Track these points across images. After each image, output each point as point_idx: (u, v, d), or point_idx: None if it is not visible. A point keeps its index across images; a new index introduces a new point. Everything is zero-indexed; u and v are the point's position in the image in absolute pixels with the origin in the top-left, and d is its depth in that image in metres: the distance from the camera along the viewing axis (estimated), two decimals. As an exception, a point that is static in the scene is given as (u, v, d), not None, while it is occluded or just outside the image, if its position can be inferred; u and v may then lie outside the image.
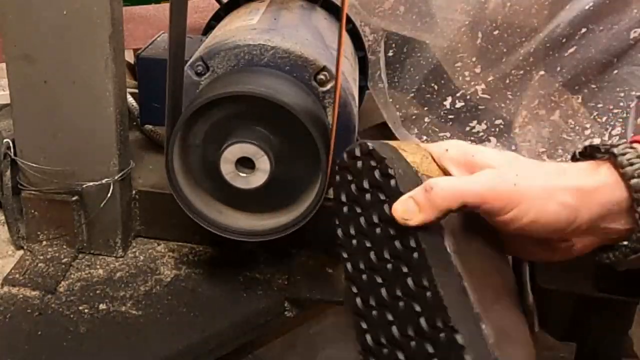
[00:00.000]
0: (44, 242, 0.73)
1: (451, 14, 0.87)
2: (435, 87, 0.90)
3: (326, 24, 0.78)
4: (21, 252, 0.73)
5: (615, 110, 0.79)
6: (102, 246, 0.73)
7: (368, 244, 0.48)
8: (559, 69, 0.83)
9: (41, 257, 0.71)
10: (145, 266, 0.72)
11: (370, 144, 0.48)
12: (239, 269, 0.72)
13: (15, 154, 0.69)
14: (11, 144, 0.69)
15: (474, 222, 0.46)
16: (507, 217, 0.44)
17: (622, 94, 0.79)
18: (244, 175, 0.60)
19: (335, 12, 0.83)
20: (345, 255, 0.50)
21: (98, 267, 0.72)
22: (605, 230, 0.46)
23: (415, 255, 0.44)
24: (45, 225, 0.72)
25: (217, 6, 0.89)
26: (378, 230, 0.47)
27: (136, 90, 0.77)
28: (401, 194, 0.45)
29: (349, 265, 0.49)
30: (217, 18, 0.85)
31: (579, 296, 0.74)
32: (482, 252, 0.47)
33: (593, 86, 0.81)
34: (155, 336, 0.63)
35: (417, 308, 0.44)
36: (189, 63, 0.64)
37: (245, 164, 0.59)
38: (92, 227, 0.72)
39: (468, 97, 0.88)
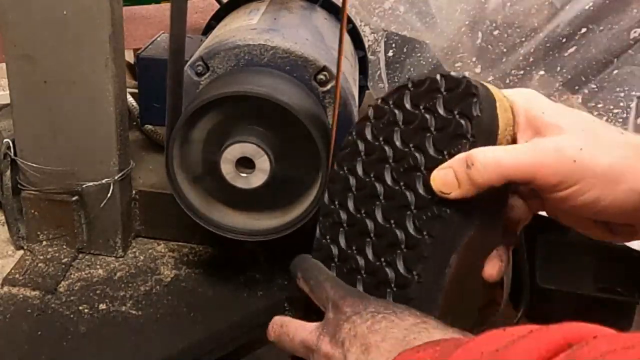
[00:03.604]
0: (44, 242, 0.73)
1: (451, 14, 0.87)
2: (435, 87, 0.90)
3: (326, 24, 0.78)
4: (21, 252, 0.73)
5: (615, 110, 0.79)
6: (102, 246, 0.73)
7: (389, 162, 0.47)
8: (559, 69, 0.83)
9: (41, 257, 0.71)
10: (145, 266, 0.72)
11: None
12: (239, 269, 0.72)
13: (15, 154, 0.69)
14: (11, 144, 0.69)
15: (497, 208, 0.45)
16: (564, 194, 0.40)
17: (622, 94, 0.79)
18: (244, 175, 0.60)
19: (335, 12, 0.83)
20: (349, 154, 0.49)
21: (98, 267, 0.72)
22: None
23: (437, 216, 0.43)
24: (45, 225, 0.72)
25: (217, 6, 0.89)
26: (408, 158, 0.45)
27: (136, 90, 0.77)
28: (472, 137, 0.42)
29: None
30: (217, 18, 0.85)
31: (579, 296, 0.74)
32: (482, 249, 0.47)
33: (593, 86, 0.81)
34: (155, 336, 0.63)
35: (401, 241, 0.45)
36: (189, 63, 0.64)
37: (245, 164, 0.59)
38: (92, 227, 0.72)
39: (468, 97, 0.88)
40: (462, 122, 0.42)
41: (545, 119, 0.42)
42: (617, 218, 0.41)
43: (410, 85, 0.46)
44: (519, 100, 0.44)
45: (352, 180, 0.49)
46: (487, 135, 0.42)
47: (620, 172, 0.39)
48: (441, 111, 0.44)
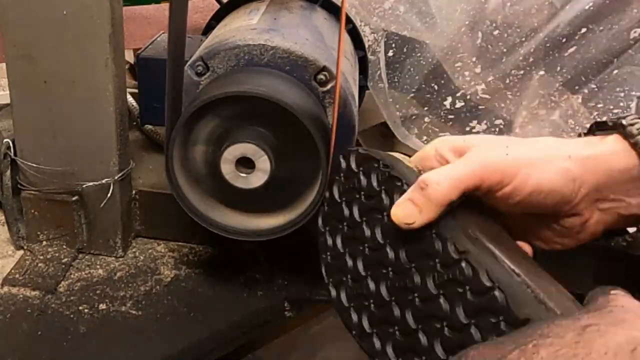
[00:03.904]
0: (44, 242, 0.73)
1: (451, 14, 0.87)
2: (435, 87, 0.90)
3: (326, 24, 0.78)
4: (21, 252, 0.73)
5: (615, 110, 0.79)
6: (102, 246, 0.73)
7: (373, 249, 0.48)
8: (559, 69, 0.83)
9: (41, 257, 0.71)
10: (145, 266, 0.72)
11: (363, 150, 0.49)
12: (239, 269, 0.72)
13: (15, 154, 0.69)
14: (11, 144, 0.69)
15: (478, 218, 0.45)
16: (508, 189, 0.43)
17: (622, 94, 0.79)
18: (244, 175, 0.60)
19: (335, 12, 0.83)
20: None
21: (98, 267, 0.72)
22: (617, 205, 0.44)
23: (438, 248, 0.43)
24: (45, 225, 0.72)
25: (217, 6, 0.89)
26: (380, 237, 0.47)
27: (136, 90, 0.77)
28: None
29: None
30: (217, 18, 0.85)
31: (579, 296, 0.74)
32: (499, 234, 0.46)
33: (593, 86, 0.81)
34: (155, 336, 0.63)
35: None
36: (189, 63, 0.64)
37: (245, 164, 0.59)
38: (92, 227, 0.72)
39: (468, 97, 0.88)
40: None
41: (465, 142, 0.46)
42: (560, 205, 0.44)
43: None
44: (440, 143, 0.48)
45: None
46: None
47: (548, 157, 0.43)
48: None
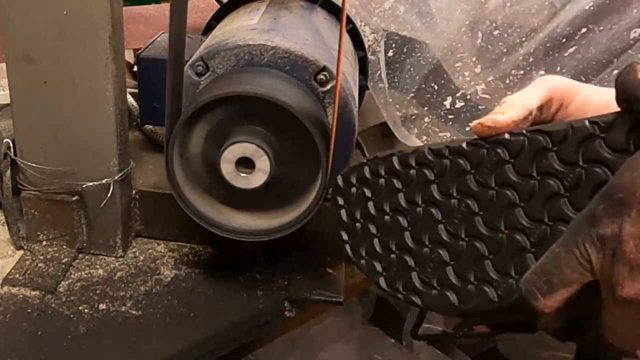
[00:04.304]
0: (44, 242, 0.73)
1: (451, 14, 0.87)
2: (435, 87, 0.90)
3: (326, 24, 0.78)
4: (21, 252, 0.73)
5: (615, 110, 0.79)
6: (102, 246, 0.73)
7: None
8: (559, 69, 0.83)
9: (41, 257, 0.71)
10: (145, 266, 0.72)
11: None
12: (239, 269, 0.72)
13: (15, 154, 0.69)
14: (11, 144, 0.69)
15: None
16: (575, 104, 0.46)
17: (622, 94, 0.79)
18: (244, 175, 0.60)
19: (335, 12, 0.83)
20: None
21: (98, 267, 0.72)
22: None
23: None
24: (45, 225, 0.72)
25: (217, 6, 0.89)
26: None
27: (136, 90, 0.77)
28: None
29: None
30: (217, 18, 0.85)
31: (580, 296, 0.74)
32: None
33: (593, 86, 0.81)
34: (155, 336, 0.63)
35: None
36: (189, 63, 0.64)
37: (245, 164, 0.59)
38: (92, 227, 0.72)
39: (468, 97, 0.88)
40: None
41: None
42: None
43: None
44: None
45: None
46: None
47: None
48: None
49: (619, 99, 0.39)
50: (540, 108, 0.46)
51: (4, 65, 0.66)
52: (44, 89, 0.65)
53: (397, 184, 0.50)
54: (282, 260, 0.74)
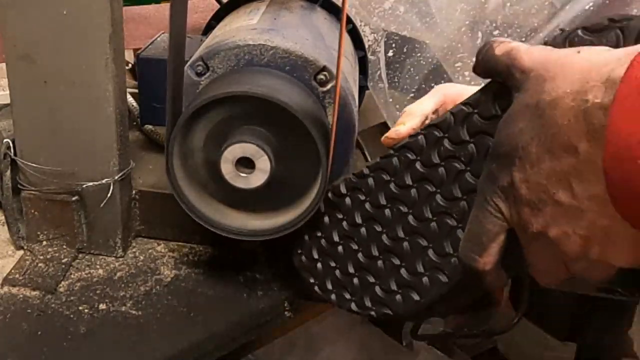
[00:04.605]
0: (44, 242, 0.73)
1: (451, 14, 0.87)
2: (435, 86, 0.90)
3: (326, 24, 0.78)
4: (21, 252, 0.73)
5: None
6: (102, 246, 0.73)
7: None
8: (559, 68, 0.82)
9: (41, 257, 0.71)
10: (145, 266, 0.72)
11: None
12: (239, 269, 0.72)
13: (15, 154, 0.69)
14: (11, 144, 0.69)
15: None
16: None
17: (622, 94, 0.79)
18: (244, 175, 0.60)
19: (335, 12, 0.83)
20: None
21: (98, 267, 0.72)
22: None
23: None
24: (45, 225, 0.72)
25: (217, 6, 0.89)
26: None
27: (136, 90, 0.77)
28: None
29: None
30: (217, 18, 0.85)
31: (579, 296, 0.74)
32: None
33: (593, 86, 0.81)
34: (155, 336, 0.63)
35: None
36: (189, 63, 0.64)
37: (245, 164, 0.59)
38: (92, 227, 0.72)
39: (468, 97, 0.88)
40: None
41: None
42: None
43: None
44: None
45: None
46: None
47: None
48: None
49: (482, 73, 0.46)
50: (436, 111, 0.56)
51: (4, 65, 0.66)
52: (44, 89, 0.65)
53: (339, 215, 0.58)
54: (282, 260, 0.74)
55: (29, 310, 0.65)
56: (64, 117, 0.67)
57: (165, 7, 1.20)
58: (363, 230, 0.55)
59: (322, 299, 0.59)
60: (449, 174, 0.49)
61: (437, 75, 0.90)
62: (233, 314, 0.66)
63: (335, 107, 0.58)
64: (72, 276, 0.70)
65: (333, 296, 0.58)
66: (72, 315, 0.64)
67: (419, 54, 0.90)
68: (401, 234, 0.53)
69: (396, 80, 0.92)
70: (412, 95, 0.91)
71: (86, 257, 0.73)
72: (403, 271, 0.52)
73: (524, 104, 0.41)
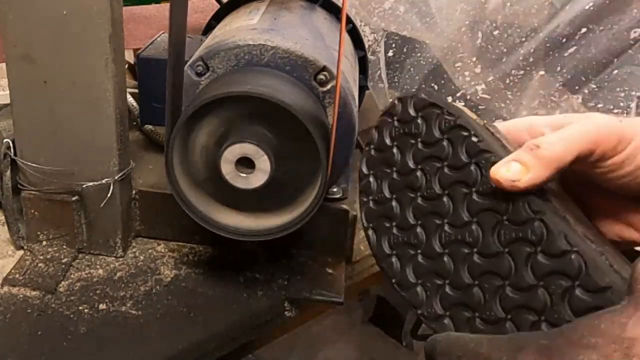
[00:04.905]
0: (44, 242, 0.73)
1: (451, 14, 0.87)
2: (435, 87, 0.90)
3: (326, 24, 0.78)
4: (21, 252, 0.73)
5: (616, 111, 0.79)
6: (102, 246, 0.73)
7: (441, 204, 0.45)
8: (559, 69, 0.83)
9: (41, 257, 0.71)
10: (145, 266, 0.72)
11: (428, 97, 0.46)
12: (239, 269, 0.72)
13: (15, 154, 0.69)
14: (11, 144, 0.69)
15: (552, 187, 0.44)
16: (621, 156, 0.40)
17: (622, 94, 0.79)
18: (244, 175, 0.60)
19: (335, 12, 0.83)
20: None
21: (98, 267, 0.72)
22: None
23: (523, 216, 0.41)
24: (45, 225, 0.72)
25: (217, 6, 0.89)
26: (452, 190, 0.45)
27: (136, 90, 0.77)
28: (484, 151, 0.43)
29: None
30: (217, 18, 0.85)
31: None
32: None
33: (593, 86, 0.81)
34: (155, 336, 0.63)
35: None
36: (189, 63, 0.64)
37: (245, 164, 0.59)
38: (92, 227, 0.72)
39: (468, 97, 0.89)
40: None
41: (565, 118, 0.44)
42: None
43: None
44: (528, 118, 0.47)
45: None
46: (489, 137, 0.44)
47: None
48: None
49: None
50: (577, 160, 0.41)
51: (4, 65, 0.66)
52: (44, 89, 0.65)
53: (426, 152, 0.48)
54: (282, 260, 0.74)
55: (29, 310, 0.65)
56: (64, 117, 0.67)
57: (165, 7, 1.20)
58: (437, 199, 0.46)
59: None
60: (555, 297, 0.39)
61: (437, 75, 0.90)
62: (233, 314, 0.66)
63: (335, 107, 0.58)
64: (72, 276, 0.70)
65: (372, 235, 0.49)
66: (72, 315, 0.64)
67: (419, 54, 0.90)
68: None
69: (396, 80, 0.92)
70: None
71: (86, 257, 0.73)
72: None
73: None
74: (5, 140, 0.69)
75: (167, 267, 0.72)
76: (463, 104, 0.89)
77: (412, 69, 0.91)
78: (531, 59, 0.84)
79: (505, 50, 0.85)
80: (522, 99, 0.86)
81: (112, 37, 0.63)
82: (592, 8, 0.79)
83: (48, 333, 0.62)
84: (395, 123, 0.49)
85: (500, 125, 0.47)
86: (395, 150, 0.49)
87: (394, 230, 0.48)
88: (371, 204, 0.50)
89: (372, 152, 0.50)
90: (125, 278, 0.70)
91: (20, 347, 0.60)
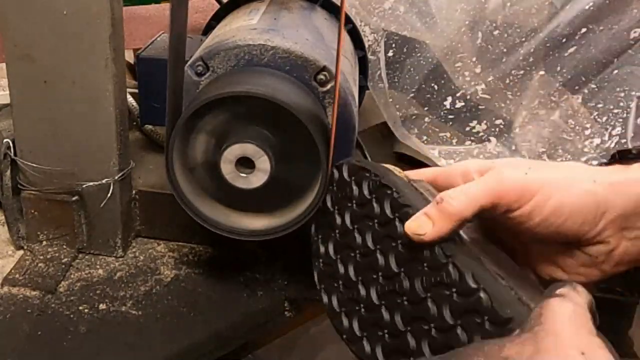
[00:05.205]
0: (44, 242, 0.73)
1: (451, 14, 0.87)
2: (435, 87, 0.90)
3: (326, 24, 0.78)
4: (21, 252, 0.73)
5: (615, 110, 0.79)
6: (102, 246, 0.73)
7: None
8: (559, 69, 0.83)
9: (41, 257, 0.71)
10: (145, 266, 0.72)
11: (357, 162, 0.51)
12: (239, 269, 0.72)
13: (15, 154, 0.69)
14: (11, 144, 0.69)
15: (469, 231, 0.46)
16: (527, 208, 0.42)
17: (622, 94, 0.79)
18: (244, 175, 0.60)
19: (335, 12, 0.83)
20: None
21: (98, 267, 0.72)
22: None
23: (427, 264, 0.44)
24: (45, 225, 0.72)
25: (217, 6, 0.89)
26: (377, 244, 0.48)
27: (136, 90, 0.77)
28: (404, 206, 0.46)
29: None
30: (217, 18, 0.85)
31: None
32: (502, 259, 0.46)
33: (593, 86, 0.81)
34: (155, 336, 0.63)
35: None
36: (189, 63, 0.64)
37: (246, 164, 0.59)
38: (92, 227, 0.72)
39: (468, 97, 0.88)
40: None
41: (492, 164, 0.47)
42: (583, 229, 0.43)
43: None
44: (464, 162, 0.50)
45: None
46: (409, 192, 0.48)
47: (573, 178, 0.43)
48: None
49: None
50: (481, 211, 0.43)
51: (4, 65, 0.66)
52: (44, 88, 0.65)
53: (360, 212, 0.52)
54: (282, 260, 0.74)
55: (29, 310, 0.65)
56: (64, 117, 0.67)
57: (165, 7, 1.20)
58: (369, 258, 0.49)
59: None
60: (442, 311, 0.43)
61: (437, 75, 0.90)
62: (233, 314, 0.66)
63: (335, 107, 0.58)
64: (72, 276, 0.70)
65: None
66: (72, 315, 0.64)
67: (419, 54, 0.90)
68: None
69: (396, 80, 0.92)
70: (412, 95, 0.91)
71: (86, 257, 0.73)
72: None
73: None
74: (5, 140, 0.69)
75: (167, 267, 0.72)
76: (463, 104, 0.89)
77: (412, 69, 0.91)
78: (531, 59, 0.84)
79: (505, 50, 0.85)
80: (522, 99, 0.86)
81: (112, 37, 0.63)
82: (592, 8, 0.79)
83: (48, 333, 0.62)
84: (335, 189, 0.54)
85: (436, 170, 0.51)
86: (336, 213, 0.53)
87: (341, 288, 0.52)
88: (321, 266, 0.55)
89: (319, 216, 0.56)
90: (125, 278, 0.70)
91: (20, 347, 0.60)
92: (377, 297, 0.48)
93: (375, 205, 0.49)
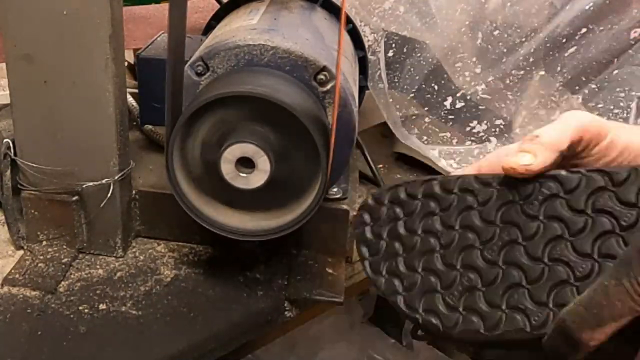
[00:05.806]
0: (44, 242, 0.73)
1: (451, 14, 0.87)
2: (435, 87, 0.91)
3: (326, 24, 0.78)
4: (21, 252, 0.73)
5: (616, 110, 0.79)
6: (102, 246, 0.73)
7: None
8: (559, 69, 0.83)
9: (41, 257, 0.71)
10: (145, 266, 0.72)
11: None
12: (239, 269, 0.72)
13: (15, 154, 0.69)
14: (11, 144, 0.69)
15: None
16: (604, 144, 0.46)
17: (622, 94, 0.79)
18: (244, 175, 0.60)
19: (335, 12, 0.83)
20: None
21: (98, 267, 0.72)
22: None
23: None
24: (45, 225, 0.72)
25: (217, 6, 0.89)
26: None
27: (136, 90, 0.77)
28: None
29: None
30: (217, 18, 0.85)
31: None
32: None
33: (593, 86, 0.81)
34: (155, 336, 0.63)
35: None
36: (189, 63, 0.64)
37: (246, 164, 0.59)
38: (92, 227, 0.72)
39: (468, 97, 0.89)
40: None
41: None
42: None
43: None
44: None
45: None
46: None
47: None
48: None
49: None
50: (571, 147, 0.46)
51: (4, 65, 0.66)
52: (44, 89, 0.65)
53: (435, 208, 0.50)
54: (282, 260, 0.74)
55: (29, 310, 0.65)
56: (64, 117, 0.67)
57: (165, 7, 1.20)
58: (455, 235, 0.48)
59: (368, 277, 0.52)
60: (593, 229, 0.43)
61: (437, 75, 0.90)
62: (233, 314, 0.66)
63: (335, 107, 0.58)
64: (72, 276, 0.70)
65: (382, 280, 0.50)
66: (72, 315, 0.64)
67: (419, 54, 0.90)
68: (500, 260, 0.46)
69: (396, 80, 0.92)
70: (412, 95, 0.91)
71: (86, 257, 0.73)
72: (479, 295, 0.45)
73: None
74: (5, 140, 0.69)
75: (167, 267, 0.72)
76: (463, 104, 0.89)
77: (412, 69, 0.91)
78: (531, 59, 0.84)
79: (505, 50, 0.85)
80: (522, 99, 0.86)
81: (112, 37, 0.63)
82: (592, 8, 0.79)
83: (48, 333, 0.62)
84: (371, 220, 0.52)
85: (489, 156, 0.52)
86: (385, 234, 0.51)
87: (439, 288, 0.49)
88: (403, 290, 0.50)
89: (366, 264, 0.52)
90: (125, 278, 0.70)
91: (20, 347, 0.60)
92: (484, 261, 0.46)
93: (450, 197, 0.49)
